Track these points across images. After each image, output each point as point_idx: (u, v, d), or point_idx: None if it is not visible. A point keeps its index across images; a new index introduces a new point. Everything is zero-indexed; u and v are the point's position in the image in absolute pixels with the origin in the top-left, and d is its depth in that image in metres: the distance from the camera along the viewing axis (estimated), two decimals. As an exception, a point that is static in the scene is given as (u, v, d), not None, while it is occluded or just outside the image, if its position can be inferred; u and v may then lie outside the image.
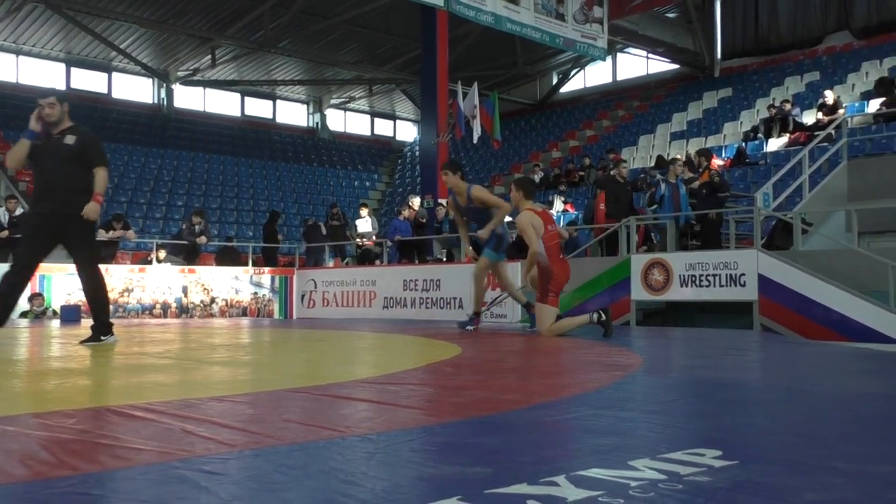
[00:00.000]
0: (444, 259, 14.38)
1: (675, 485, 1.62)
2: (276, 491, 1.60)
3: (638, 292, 10.28)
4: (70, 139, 5.61)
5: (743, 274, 9.40)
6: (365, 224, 16.17)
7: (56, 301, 12.70)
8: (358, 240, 16.03)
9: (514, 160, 25.13)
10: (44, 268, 12.76)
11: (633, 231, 10.95)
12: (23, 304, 12.26)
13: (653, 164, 18.58)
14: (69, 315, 10.91)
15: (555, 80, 29.62)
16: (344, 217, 17.66)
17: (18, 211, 13.35)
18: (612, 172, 12.64)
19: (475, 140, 17.33)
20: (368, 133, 32.41)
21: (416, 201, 15.75)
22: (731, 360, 5.15)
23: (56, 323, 10.42)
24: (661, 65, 26.49)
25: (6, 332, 7.80)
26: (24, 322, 10.79)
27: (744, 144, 17.25)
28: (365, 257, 15.95)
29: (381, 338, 7.35)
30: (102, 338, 5.66)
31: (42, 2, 20.08)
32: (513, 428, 2.38)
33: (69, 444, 2.07)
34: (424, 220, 14.81)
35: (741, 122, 19.76)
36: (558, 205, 16.81)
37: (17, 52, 23.62)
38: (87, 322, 10.55)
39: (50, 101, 5.61)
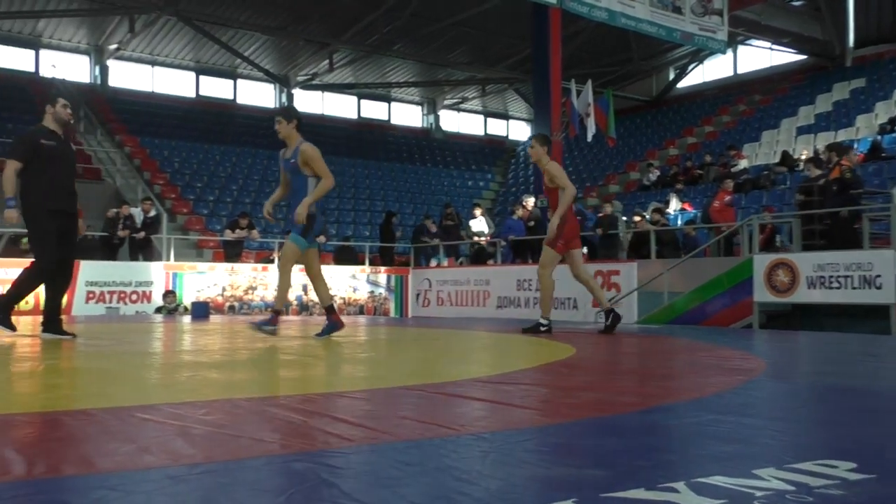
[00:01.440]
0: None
1: (804, 497, 1.55)
2: (392, 486, 1.63)
3: (761, 294, 9.87)
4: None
5: (878, 275, 8.86)
6: (479, 224, 16.23)
7: (187, 297, 13.37)
8: (476, 238, 16.10)
9: (629, 158, 24.64)
10: (175, 266, 13.48)
11: (755, 230, 10.53)
12: (157, 299, 12.98)
13: (777, 160, 17.81)
14: (199, 311, 11.45)
15: (671, 76, 28.85)
16: (458, 217, 17.78)
17: (153, 212, 14.11)
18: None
19: (589, 138, 17.10)
20: (482, 133, 32.52)
21: (529, 201, 15.68)
22: (864, 366, 4.87)
23: (187, 318, 10.97)
24: (785, 56, 25.34)
25: (142, 326, 8.28)
26: (158, 317, 11.40)
27: (879, 138, 16.27)
28: (479, 257, 16.01)
29: (495, 337, 7.36)
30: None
31: (174, 15, 21.18)
32: (628, 431, 2.34)
33: (199, 433, 2.17)
34: (533, 224, 14.72)
35: (876, 115, 18.65)
36: (675, 203, 16.36)
37: (153, 63, 25.04)
38: (215, 318, 11.06)
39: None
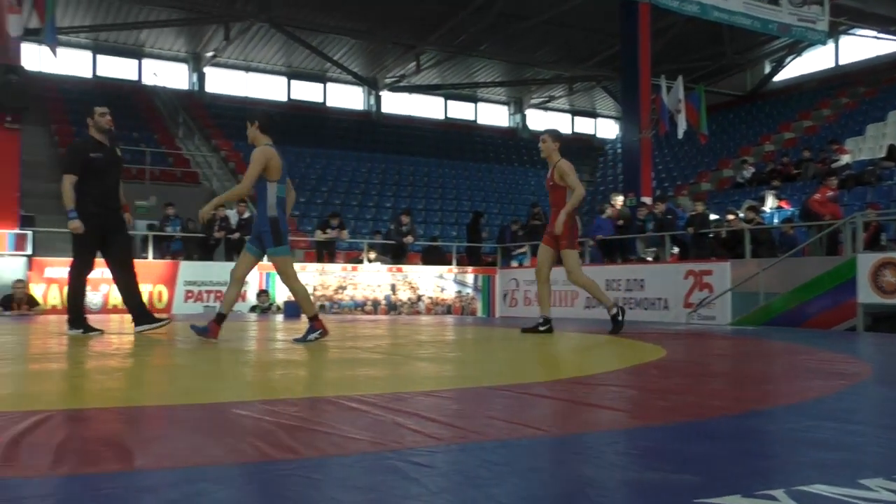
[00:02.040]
0: (649, 259, 13.98)
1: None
2: (481, 486, 1.63)
3: (866, 295, 9.43)
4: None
5: None
6: (565, 224, 16.07)
7: (279, 297, 13.71)
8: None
9: (722, 155, 23.96)
10: (268, 266, 13.85)
11: (859, 228, 10.08)
12: (251, 299, 13.36)
13: (883, 154, 17.00)
14: (291, 310, 11.72)
15: (767, 69, 27.88)
16: (545, 216, 17.65)
17: (247, 214, 14.53)
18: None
19: (680, 135, 16.72)
20: (569, 131, 32.22)
21: (618, 200, 15.44)
22: (979, 371, 4.60)
23: (280, 317, 11.25)
24: (892, 45, 24.12)
25: (237, 324, 8.53)
26: (253, 316, 11.74)
27: None
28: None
29: (583, 338, 7.27)
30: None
31: (267, 21, 21.78)
32: (722, 435, 2.27)
33: (292, 430, 2.23)
34: (622, 223, 14.48)
35: None
36: (771, 201, 15.81)
37: (247, 69, 25.84)
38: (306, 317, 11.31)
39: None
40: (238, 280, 5.94)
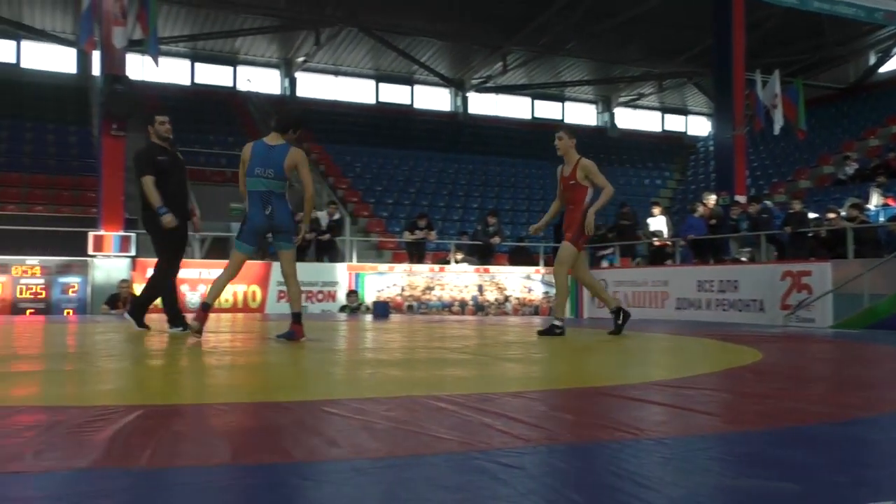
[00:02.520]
0: (744, 259, 13.56)
1: None
2: (569, 487, 1.62)
3: (979, 297, 8.90)
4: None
5: None
6: (658, 223, 15.75)
7: (368, 297, 13.92)
8: (654, 237, 15.66)
9: (822, 151, 23.03)
10: (357, 266, 14.08)
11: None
12: (341, 298, 13.60)
13: None
14: (380, 310, 11.88)
15: (872, 60, 26.64)
16: (634, 216, 17.36)
17: (337, 215, 14.81)
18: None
19: (776, 131, 16.16)
20: (658, 129, 31.58)
21: (711, 198, 15.03)
22: None
23: (369, 317, 11.42)
24: None
25: (327, 324, 8.70)
26: (342, 316, 11.95)
27: None
28: (657, 257, 15.55)
29: (675, 340, 7.11)
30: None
31: (356, 26, 22.16)
32: (824, 443, 2.18)
33: (382, 429, 2.25)
34: (715, 222, 14.08)
35: None
36: (876, 199, 15.09)
37: (336, 73, 26.35)
38: (395, 317, 11.45)
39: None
40: (288, 276, 5.88)
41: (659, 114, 31.68)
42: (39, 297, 11.96)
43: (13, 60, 22.46)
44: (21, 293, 11.85)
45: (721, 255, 13.83)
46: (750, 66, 16.86)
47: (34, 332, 7.22)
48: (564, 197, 6.86)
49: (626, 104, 30.60)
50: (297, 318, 5.69)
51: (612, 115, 30.24)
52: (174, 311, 6.79)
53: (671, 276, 13.67)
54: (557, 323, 6.63)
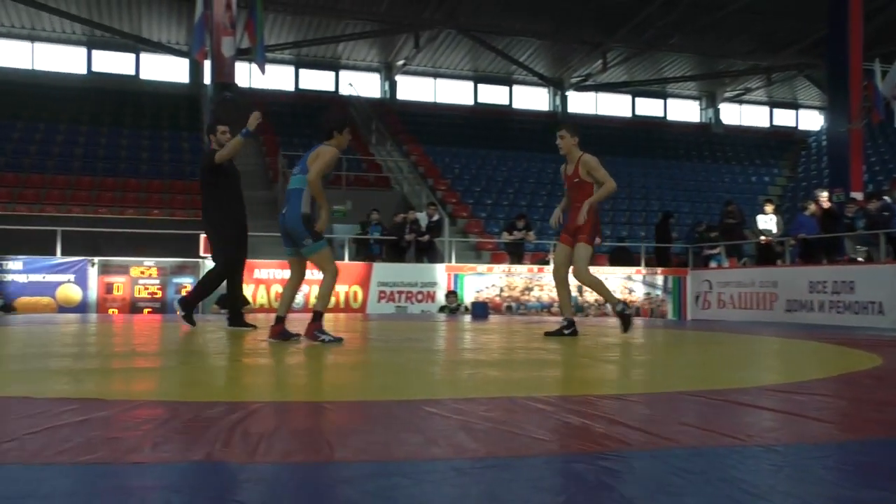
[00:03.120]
0: (860, 259, 12.92)
1: None
2: (675, 494, 1.58)
3: None
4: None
5: None
6: (768, 221, 15.18)
7: (467, 297, 13.98)
8: (762, 237, 15.11)
9: (946, 144, 21.70)
10: (456, 267, 14.16)
11: None
12: (440, 299, 13.71)
13: None
14: (479, 310, 11.92)
15: None
16: (741, 215, 16.80)
17: (436, 217, 14.93)
18: None
19: (897, 124, 15.32)
20: (766, 125, 30.46)
21: (823, 195, 14.39)
22: None
23: (468, 318, 11.46)
24: None
25: (426, 324, 8.77)
26: (441, 316, 12.05)
27: None
28: (766, 257, 14.99)
29: (784, 343, 6.83)
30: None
31: (455, 28, 22.31)
32: (952, 454, 2.05)
33: (481, 429, 2.26)
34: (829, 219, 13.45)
35: None
36: None
37: (435, 76, 26.61)
38: (494, 318, 11.45)
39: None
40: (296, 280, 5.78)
41: (767, 108, 30.56)
42: (155, 296, 12.55)
43: (132, 72, 23.69)
44: (139, 293, 12.48)
45: (835, 255, 13.21)
46: (868, 55, 16.07)
47: (151, 330, 7.59)
48: (570, 195, 6.72)
49: (731, 99, 29.65)
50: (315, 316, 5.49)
51: (716, 111, 29.36)
52: (235, 311, 7.15)
53: (781, 277, 13.17)
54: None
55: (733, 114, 30.14)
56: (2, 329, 6.96)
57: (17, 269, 11.75)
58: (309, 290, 12.74)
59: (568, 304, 6.75)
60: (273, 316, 5.78)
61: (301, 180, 5.45)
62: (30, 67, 22.80)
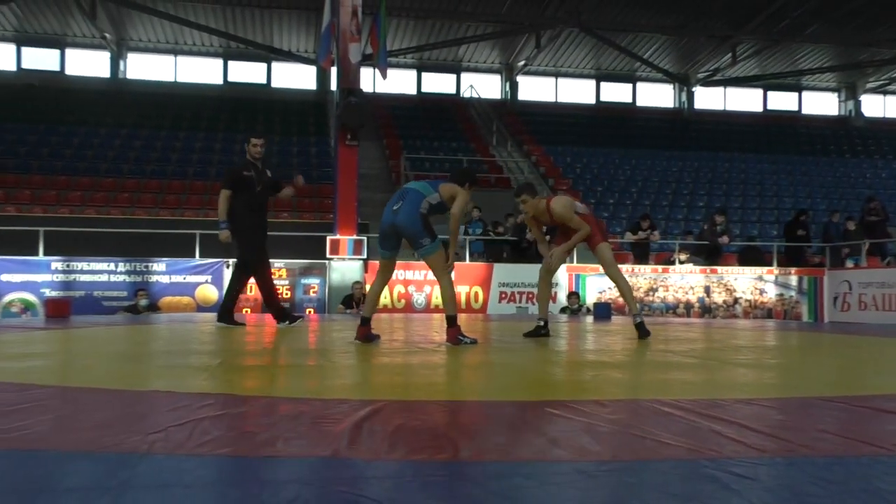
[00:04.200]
0: None
1: None
2: (812, 504, 1.51)
3: None
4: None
5: None
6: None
7: (589, 298, 13.79)
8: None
9: None
10: (578, 268, 14.00)
11: None
12: (562, 300, 13.59)
13: None
14: (601, 311, 11.73)
15: None
16: (884, 211, 15.81)
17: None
18: None
19: None
20: (913, 115, 28.55)
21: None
22: None
23: (590, 319, 11.31)
24: None
25: (552, 327, 8.69)
26: (563, 317, 11.93)
27: None
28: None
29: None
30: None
31: (577, 26, 22.05)
32: None
33: (605, 431, 2.23)
34: None
35: None
36: None
37: (556, 75, 26.42)
38: (616, 319, 11.26)
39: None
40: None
41: (914, 98, 28.64)
42: (285, 297, 13.05)
43: (264, 81, 24.75)
44: (270, 293, 12.99)
45: None
46: None
47: (282, 330, 7.89)
48: (563, 231, 6.47)
49: (874, 90, 27.92)
50: (450, 321, 5.44)
51: (857, 103, 27.72)
52: (278, 309, 7.59)
53: (930, 278, 12.30)
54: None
55: (876, 105, 28.38)
56: (148, 327, 7.42)
57: (161, 271, 12.50)
58: (431, 291, 12.93)
59: (547, 305, 6.64)
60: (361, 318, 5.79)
61: (425, 188, 5.44)
62: (172, 80, 24.22)
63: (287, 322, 7.51)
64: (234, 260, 7.67)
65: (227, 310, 7.56)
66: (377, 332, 5.71)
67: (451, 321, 5.39)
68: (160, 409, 2.65)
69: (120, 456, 1.88)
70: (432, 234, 5.35)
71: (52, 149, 19.11)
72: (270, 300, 7.64)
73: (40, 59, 23.43)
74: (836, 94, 28.33)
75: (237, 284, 7.57)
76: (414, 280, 12.95)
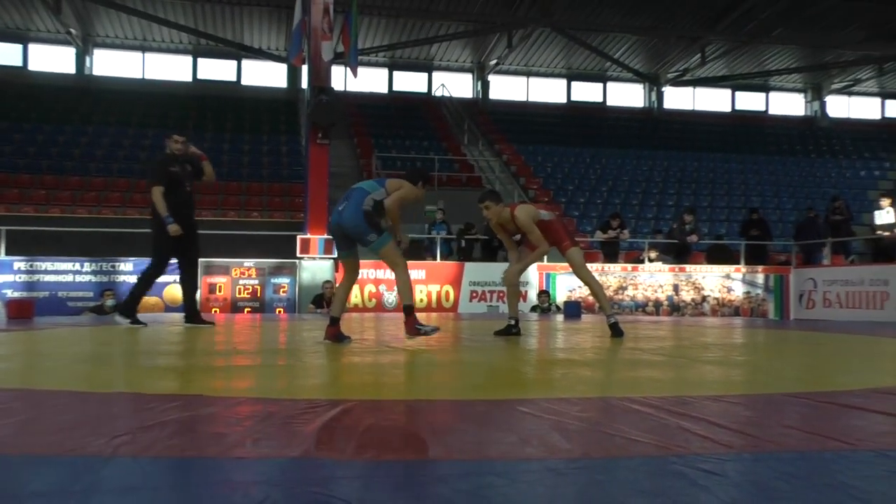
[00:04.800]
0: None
1: None
2: (777, 499, 1.52)
3: None
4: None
5: None
6: (886, 216, 14.46)
7: (559, 297, 13.86)
8: (880, 232, 14.41)
9: None
10: (548, 266, 14.06)
11: None
12: (532, 298, 13.64)
13: None
14: (572, 310, 11.80)
15: None
16: (848, 211, 16.07)
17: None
18: None
19: None
20: (878, 117, 29.01)
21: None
22: None
23: (560, 317, 11.37)
24: None
25: (523, 325, 8.72)
26: (534, 316, 11.98)
27: None
28: (882, 253, 14.30)
29: (897, 345, 6.49)
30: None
31: (549, 26, 22.13)
32: None
33: (575, 429, 2.24)
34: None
35: None
36: None
37: (527, 74, 26.51)
38: (586, 317, 11.33)
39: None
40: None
41: (878, 100, 29.10)
42: (255, 296, 12.96)
43: (234, 79, 24.53)
44: (239, 293, 12.91)
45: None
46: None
47: (251, 328, 7.84)
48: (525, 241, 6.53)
49: (839, 91, 28.36)
50: (406, 310, 5.46)
51: (822, 104, 28.15)
52: (192, 309, 7.53)
53: (892, 275, 12.53)
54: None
55: (841, 106, 28.84)
56: (114, 328, 7.32)
57: (128, 271, 12.34)
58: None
59: (516, 304, 6.69)
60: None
61: (371, 185, 5.48)
62: (140, 77, 23.91)
63: (194, 323, 7.46)
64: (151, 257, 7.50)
65: (130, 306, 7.43)
66: (348, 334, 5.68)
67: (409, 310, 5.40)
68: (126, 412, 2.61)
69: (85, 459, 1.85)
70: (378, 228, 5.33)
71: (15, 146, 18.78)
72: (189, 298, 7.58)
73: (2, 53, 22.99)
74: (802, 95, 28.74)
75: (148, 280, 7.47)
76: (385, 279, 12.91)
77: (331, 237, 5.58)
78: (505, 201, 6.54)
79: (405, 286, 5.41)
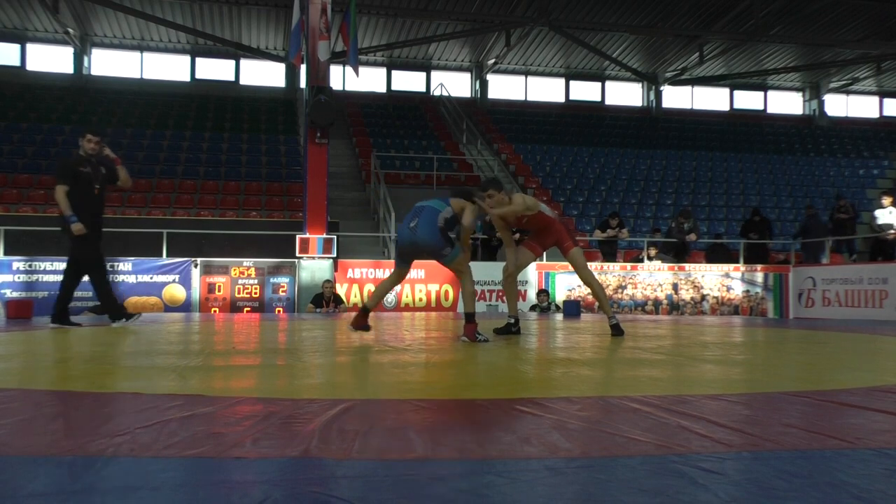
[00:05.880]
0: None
1: None
2: (777, 498, 1.52)
3: None
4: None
5: None
6: (888, 215, 14.47)
7: (559, 296, 13.86)
8: (882, 231, 14.40)
9: None
10: (547, 265, 14.06)
11: None
12: (531, 298, 13.64)
13: None
14: (571, 309, 11.80)
15: None
16: (853, 209, 16.09)
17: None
18: None
19: None
20: (876, 115, 29.02)
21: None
22: None
23: (559, 316, 11.37)
24: None
25: (522, 324, 8.72)
26: (533, 315, 11.99)
27: None
28: (880, 253, 14.31)
29: (896, 344, 6.49)
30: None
31: (547, 25, 22.12)
32: None
33: (575, 428, 2.24)
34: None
35: None
36: None
37: (526, 73, 26.48)
38: (586, 316, 11.33)
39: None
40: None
41: (876, 98, 29.11)
42: (254, 296, 12.95)
43: (232, 78, 24.52)
44: (239, 292, 12.90)
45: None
46: None
47: (250, 328, 7.83)
48: (531, 228, 6.68)
49: (837, 90, 28.37)
50: (468, 317, 5.86)
51: (820, 103, 28.15)
52: (113, 308, 7.48)
53: (891, 274, 12.54)
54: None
55: (839, 105, 28.85)
56: (114, 328, 7.32)
57: (128, 271, 12.34)
58: (401, 290, 12.92)
59: (515, 302, 6.80)
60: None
61: (439, 204, 5.83)
62: (139, 76, 23.89)
63: (123, 321, 7.43)
64: (68, 258, 7.43)
65: (60, 310, 7.38)
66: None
67: (470, 317, 5.81)
68: (126, 411, 2.61)
69: (85, 459, 1.85)
70: (451, 243, 5.79)
71: (13, 146, 18.77)
72: (105, 299, 7.49)
73: (0, 53, 22.99)
74: (800, 94, 28.75)
75: (70, 283, 7.42)
76: (385, 279, 12.90)
77: (401, 250, 6.04)
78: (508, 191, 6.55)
79: (470, 295, 5.93)
